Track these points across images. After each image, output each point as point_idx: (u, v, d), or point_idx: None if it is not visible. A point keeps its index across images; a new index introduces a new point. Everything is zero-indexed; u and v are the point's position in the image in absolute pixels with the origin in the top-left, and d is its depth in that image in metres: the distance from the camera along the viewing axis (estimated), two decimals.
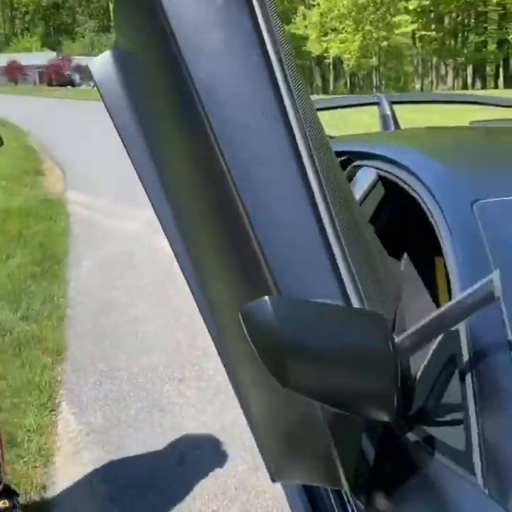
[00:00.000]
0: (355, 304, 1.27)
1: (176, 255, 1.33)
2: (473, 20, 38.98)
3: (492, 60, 39.87)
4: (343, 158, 2.41)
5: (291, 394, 1.28)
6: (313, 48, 40.50)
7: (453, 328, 1.28)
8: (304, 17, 40.69)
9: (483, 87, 39.22)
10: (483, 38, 37.80)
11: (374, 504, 1.37)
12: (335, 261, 1.27)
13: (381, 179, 2.16)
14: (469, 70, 41.63)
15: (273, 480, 1.58)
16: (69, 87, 51.44)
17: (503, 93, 24.63)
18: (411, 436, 1.35)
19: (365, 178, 2.30)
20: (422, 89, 41.43)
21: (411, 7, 33.36)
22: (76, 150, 13.01)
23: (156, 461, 2.80)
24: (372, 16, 36.01)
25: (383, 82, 43.64)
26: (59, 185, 9.64)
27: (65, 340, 4.02)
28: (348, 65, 41.13)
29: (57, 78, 56.59)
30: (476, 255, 1.47)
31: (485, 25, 38.71)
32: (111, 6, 73.72)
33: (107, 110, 1.32)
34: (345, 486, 1.38)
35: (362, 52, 39.70)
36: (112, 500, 2.57)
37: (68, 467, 2.79)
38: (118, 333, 4.16)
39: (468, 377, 1.28)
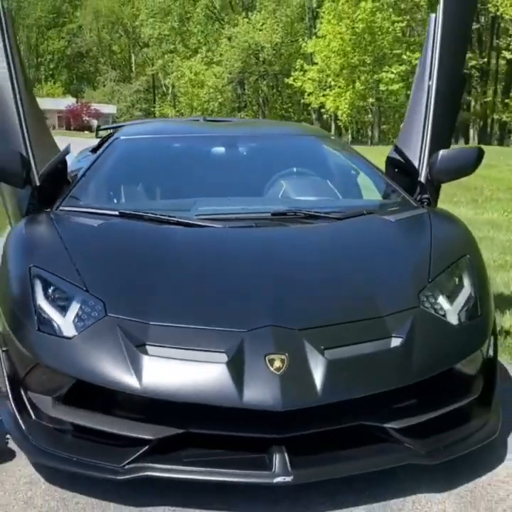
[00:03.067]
0: (28, 149, 3.59)
1: None
2: None
3: (475, 118, 42.92)
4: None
5: None
6: (310, 101, 43.16)
7: None
8: (304, 72, 42.93)
9: (466, 143, 42.03)
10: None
11: None
12: (23, 129, 3.62)
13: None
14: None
15: None
16: (86, 132, 52.13)
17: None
18: None
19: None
20: None
21: (395, 71, 36.53)
22: None
23: None
24: (362, 76, 38.84)
25: (379, 137, 46.08)
26: None
27: None
28: (342, 120, 43.71)
29: (75, 123, 59.24)
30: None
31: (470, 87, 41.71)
32: (133, 57, 76.92)
33: None
34: None
35: (356, 109, 42.32)
36: None
37: None
38: None
39: None
